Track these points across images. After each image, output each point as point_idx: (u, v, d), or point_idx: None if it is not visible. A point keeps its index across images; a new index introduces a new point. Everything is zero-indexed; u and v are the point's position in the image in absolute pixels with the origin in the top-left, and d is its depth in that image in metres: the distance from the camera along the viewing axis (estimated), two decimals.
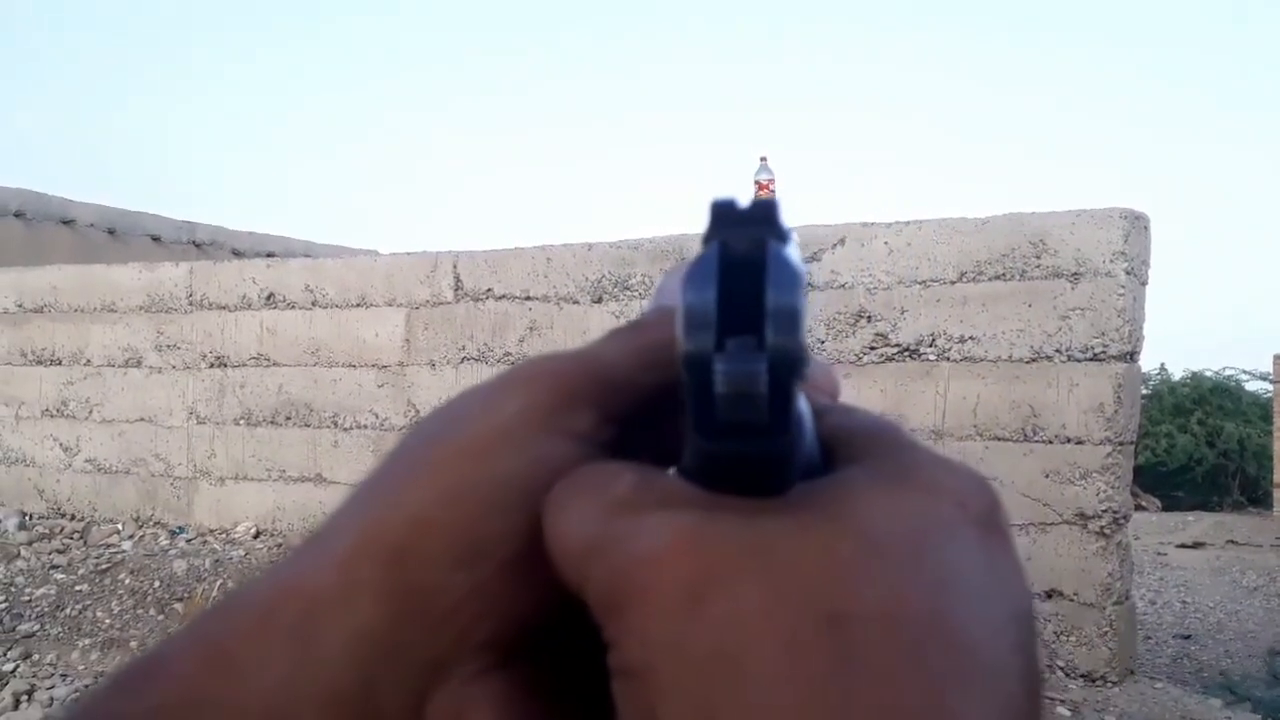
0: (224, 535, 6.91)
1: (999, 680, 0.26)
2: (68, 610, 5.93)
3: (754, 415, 0.27)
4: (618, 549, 0.28)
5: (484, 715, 0.31)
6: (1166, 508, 12.46)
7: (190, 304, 7.22)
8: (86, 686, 5.10)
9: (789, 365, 0.27)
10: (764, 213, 0.29)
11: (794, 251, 0.29)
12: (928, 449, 0.32)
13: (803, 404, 0.30)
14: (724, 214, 0.29)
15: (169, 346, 7.28)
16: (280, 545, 6.65)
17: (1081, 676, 4.79)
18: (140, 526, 7.26)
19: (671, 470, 0.32)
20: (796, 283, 0.28)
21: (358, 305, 6.73)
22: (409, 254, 6.72)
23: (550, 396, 0.34)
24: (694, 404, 0.28)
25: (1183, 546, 9.58)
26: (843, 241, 5.39)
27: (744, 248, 0.28)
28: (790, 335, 0.27)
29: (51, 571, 6.45)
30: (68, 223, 11.95)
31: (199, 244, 13.54)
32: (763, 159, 6.53)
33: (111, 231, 12.46)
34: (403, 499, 0.33)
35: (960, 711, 0.25)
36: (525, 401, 0.34)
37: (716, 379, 0.27)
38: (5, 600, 6.07)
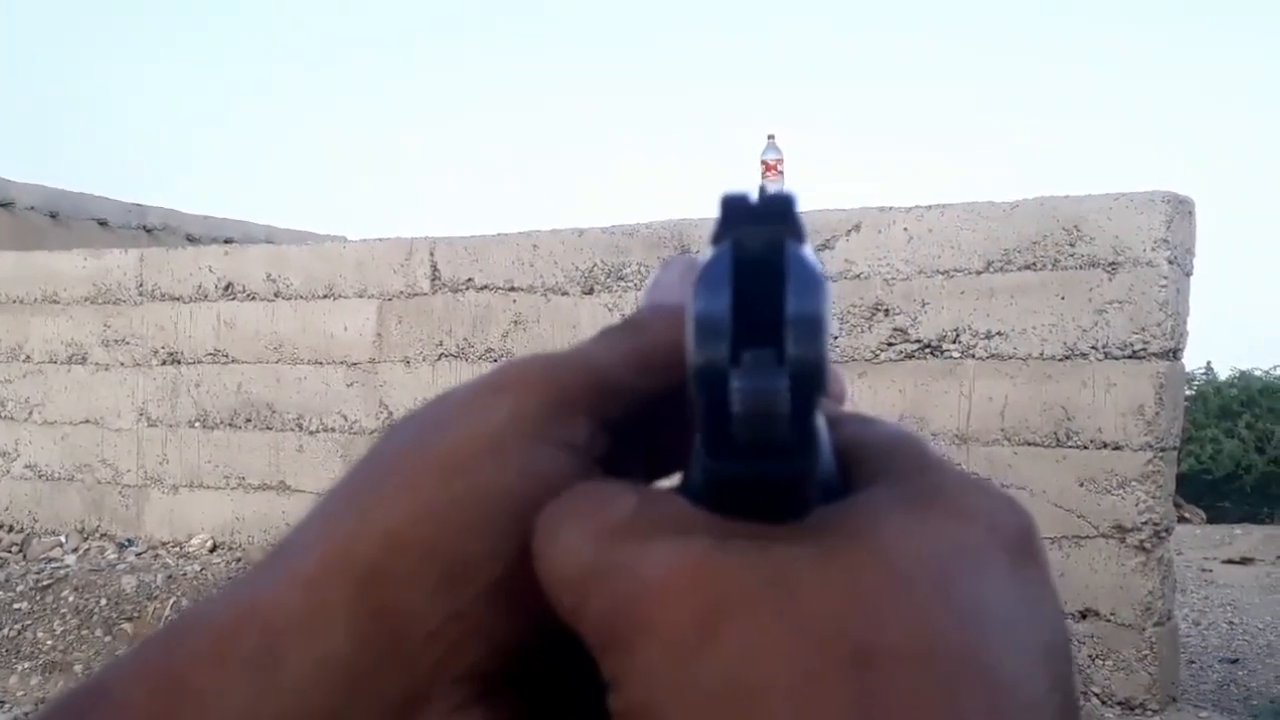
0: (177, 548, 6.91)
1: (1035, 717, 0.26)
2: (5, 630, 5.92)
3: (774, 436, 0.27)
4: (619, 579, 0.28)
5: None
6: (1212, 520, 12.46)
7: (140, 294, 7.21)
8: (26, 714, 5.09)
9: (812, 381, 0.27)
10: (780, 208, 0.29)
11: (811, 251, 0.29)
12: (954, 466, 0.32)
13: (820, 419, 0.30)
14: (736, 210, 0.29)
15: (117, 341, 7.26)
16: (239, 559, 6.65)
17: (1119, 704, 4.79)
18: (85, 539, 7.25)
19: (668, 480, 0.32)
20: (818, 287, 0.27)
21: (325, 296, 6.72)
22: (381, 240, 6.71)
23: (542, 403, 0.33)
24: (706, 422, 0.28)
25: (1230, 562, 9.58)
26: (858, 228, 5.39)
27: (759, 248, 0.28)
28: (812, 346, 0.27)
29: None
30: (5, 205, 11.90)
31: (150, 229, 13.50)
32: (770, 137, 6.55)
33: (54, 215, 12.42)
34: (376, 513, 0.32)
35: None
36: (514, 408, 0.33)
37: (733, 397, 0.27)
38: None
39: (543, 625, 0.31)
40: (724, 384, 0.27)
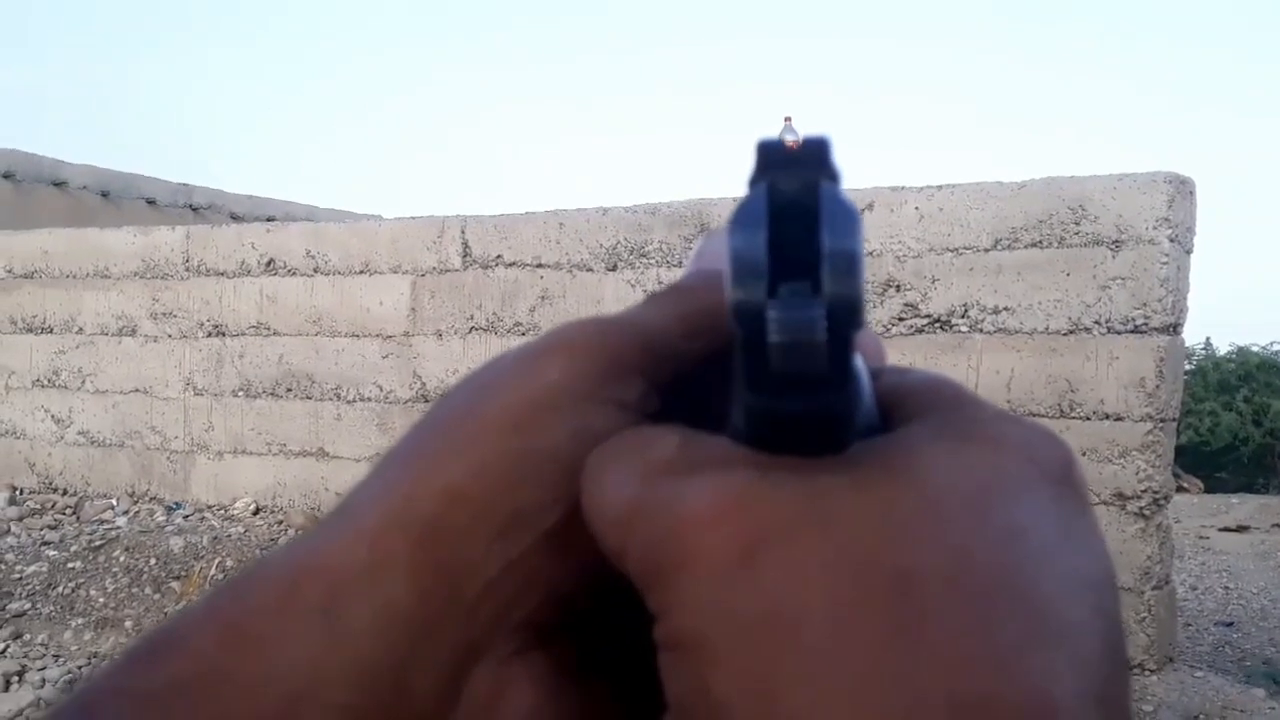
0: (222, 511, 6.95)
1: (1078, 644, 0.25)
2: (60, 588, 5.97)
3: (812, 366, 0.26)
4: (662, 512, 0.28)
5: (525, 695, 0.31)
6: (1209, 489, 12.40)
7: (187, 270, 7.23)
8: (80, 668, 5.14)
9: (848, 312, 0.26)
10: (815, 152, 0.28)
11: (846, 192, 0.28)
12: (992, 404, 0.31)
13: (859, 362, 0.29)
14: (771, 155, 0.28)
15: (165, 314, 7.30)
16: (280, 521, 6.69)
17: None
18: (135, 502, 7.30)
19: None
20: (853, 224, 0.27)
21: (361, 272, 6.73)
22: (415, 219, 6.72)
23: (595, 364, 0.33)
24: (745, 357, 0.27)
25: (1226, 530, 9.54)
26: (871, 207, 5.36)
27: (794, 189, 0.28)
28: (849, 280, 0.26)
29: (43, 548, 6.49)
30: (59, 185, 11.97)
31: (196, 208, 13.56)
32: (787, 119, 6.54)
33: (105, 194, 12.49)
34: (436, 471, 0.32)
35: (1035, 676, 0.24)
36: (568, 369, 0.33)
37: (770, 327, 0.26)
38: None
39: (595, 577, 0.31)
40: (762, 319, 0.26)
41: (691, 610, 0.26)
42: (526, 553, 0.31)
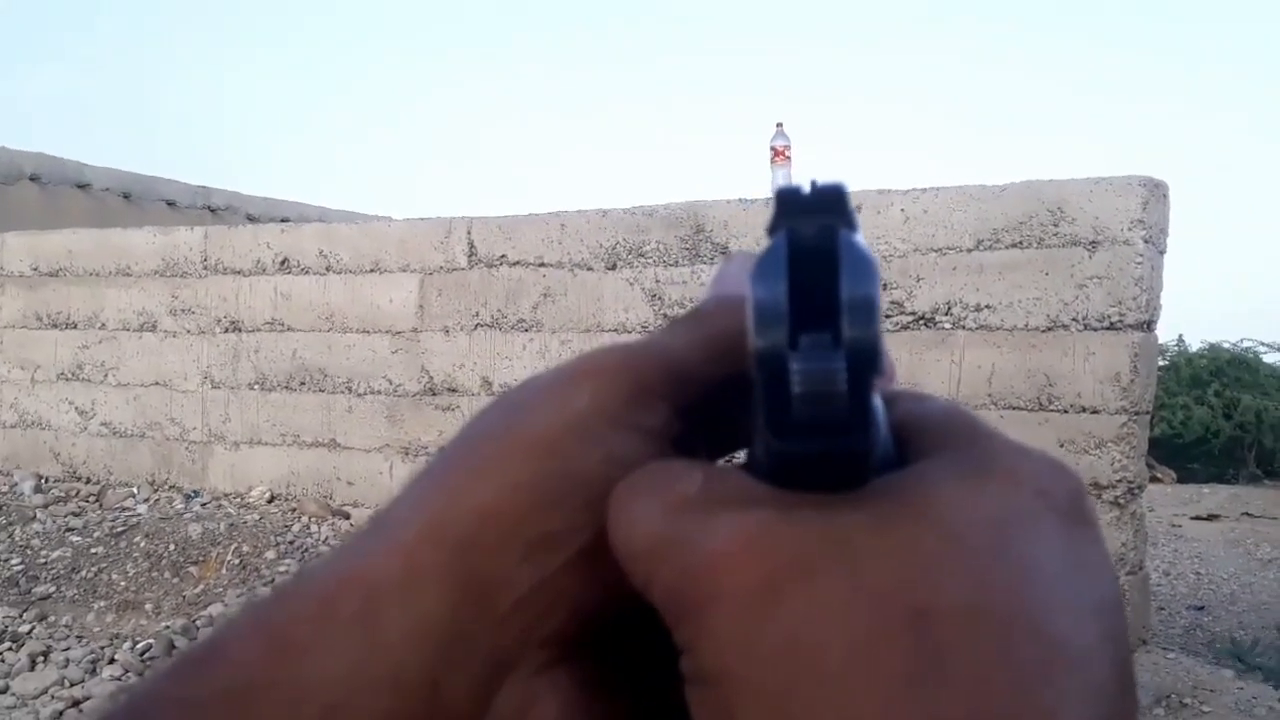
0: (238, 499, 6.95)
1: (1088, 670, 0.26)
2: (83, 572, 5.97)
3: (833, 414, 0.26)
4: (686, 550, 0.28)
5: (551, 709, 0.31)
6: (1182, 480, 12.39)
7: (205, 268, 7.22)
8: (102, 648, 5.14)
9: (867, 361, 0.26)
10: (832, 199, 0.28)
11: (863, 238, 0.28)
12: (1004, 437, 0.31)
13: (875, 395, 0.29)
14: (790, 202, 0.28)
15: (184, 311, 7.29)
16: (294, 509, 6.68)
17: None
18: (155, 490, 7.30)
19: (738, 457, 0.32)
20: (871, 272, 0.27)
21: (371, 271, 6.72)
22: (423, 219, 6.71)
23: (621, 389, 0.33)
24: (767, 403, 0.27)
25: (1197, 518, 9.55)
26: (859, 209, 5.24)
27: (812, 236, 0.28)
28: (867, 328, 0.26)
29: (67, 534, 6.49)
30: (83, 186, 11.94)
31: (214, 209, 13.53)
32: (779, 125, 6.51)
33: (127, 196, 12.45)
34: (469, 490, 0.32)
35: (1050, 704, 0.24)
36: (597, 395, 0.33)
37: (793, 379, 0.26)
38: (21, 562, 6.11)
39: (620, 594, 0.31)
40: (784, 366, 0.26)
41: (716, 646, 0.26)
42: (555, 572, 0.31)
